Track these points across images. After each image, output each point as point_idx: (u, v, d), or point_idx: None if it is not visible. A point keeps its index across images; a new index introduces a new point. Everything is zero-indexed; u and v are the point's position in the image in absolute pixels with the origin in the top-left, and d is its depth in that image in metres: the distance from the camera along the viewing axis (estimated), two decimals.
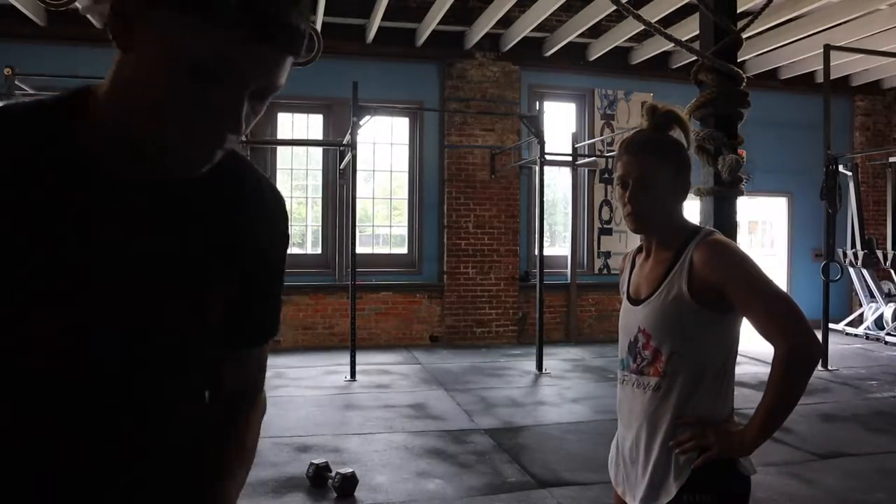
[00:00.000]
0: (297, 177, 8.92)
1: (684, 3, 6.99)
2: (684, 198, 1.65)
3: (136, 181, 0.82)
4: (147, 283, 0.83)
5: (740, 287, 1.49)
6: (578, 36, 8.49)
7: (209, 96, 0.74)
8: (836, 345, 8.17)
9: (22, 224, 0.76)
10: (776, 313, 1.46)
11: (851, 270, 9.50)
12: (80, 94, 0.82)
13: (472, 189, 8.95)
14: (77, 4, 4.32)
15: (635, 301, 1.67)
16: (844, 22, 7.82)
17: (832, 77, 7.89)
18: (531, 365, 7.41)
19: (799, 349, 1.44)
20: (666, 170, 1.60)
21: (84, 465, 0.82)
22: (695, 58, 2.45)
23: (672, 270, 1.58)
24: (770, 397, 1.46)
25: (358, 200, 7.63)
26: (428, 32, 8.31)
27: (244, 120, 0.77)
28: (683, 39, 2.56)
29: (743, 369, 4.58)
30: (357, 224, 7.19)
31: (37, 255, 0.76)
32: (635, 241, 1.73)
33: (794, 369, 1.45)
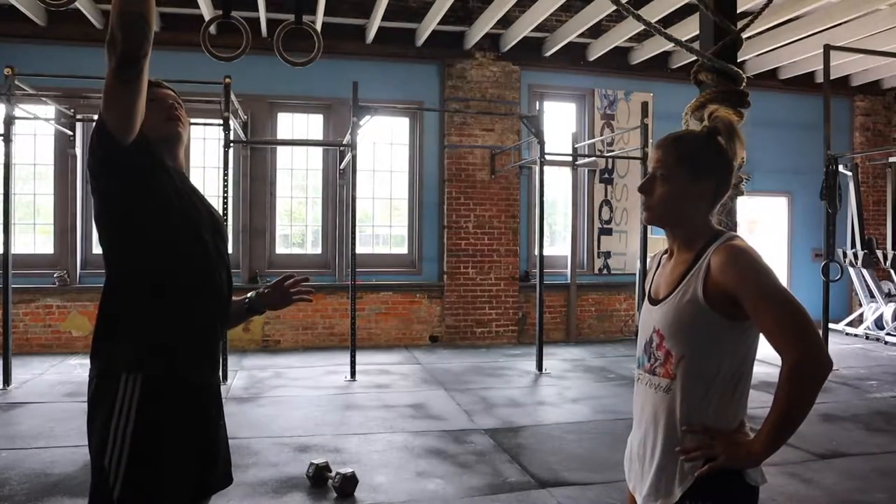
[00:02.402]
0: (297, 177, 8.92)
1: (684, 3, 6.99)
2: (707, 202, 1.62)
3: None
4: (208, 206, 1.94)
5: (751, 294, 1.46)
6: (578, 36, 8.50)
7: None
8: (836, 345, 8.17)
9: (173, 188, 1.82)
10: (785, 324, 1.43)
11: (851, 270, 9.50)
12: None
13: (472, 189, 8.95)
14: None
15: (654, 301, 1.67)
16: (844, 22, 7.82)
17: (832, 77, 7.88)
18: (531, 365, 7.41)
19: (806, 363, 1.41)
20: (683, 170, 1.60)
21: (219, 292, 1.89)
22: (695, 58, 2.45)
23: (689, 273, 1.57)
24: (777, 411, 1.43)
25: (358, 200, 7.63)
26: (428, 32, 8.31)
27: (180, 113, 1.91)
28: (683, 39, 2.55)
29: None
30: (357, 224, 7.19)
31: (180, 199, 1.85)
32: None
33: (801, 384, 1.42)
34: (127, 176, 1.71)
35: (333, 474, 3.80)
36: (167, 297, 1.76)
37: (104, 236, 1.80)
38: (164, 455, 1.70)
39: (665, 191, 1.61)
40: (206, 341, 1.85)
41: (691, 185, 1.60)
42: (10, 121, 6.22)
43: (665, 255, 1.74)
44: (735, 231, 2.46)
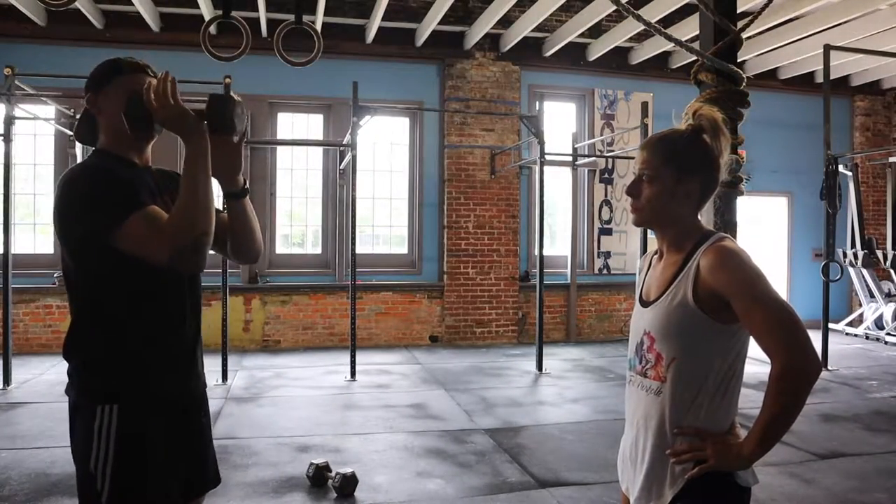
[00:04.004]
0: (297, 177, 8.92)
1: (684, 3, 6.99)
2: (694, 201, 1.61)
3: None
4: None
5: (741, 296, 1.45)
6: (578, 36, 8.50)
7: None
8: (836, 345, 8.17)
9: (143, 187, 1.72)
10: (775, 327, 1.42)
11: (851, 270, 9.50)
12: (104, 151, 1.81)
13: (472, 189, 8.95)
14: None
15: (644, 303, 1.67)
16: (844, 22, 7.82)
17: (832, 77, 7.88)
18: (531, 365, 7.41)
19: (795, 367, 1.41)
20: (669, 170, 1.59)
21: (190, 297, 1.82)
22: (695, 58, 2.45)
23: (679, 275, 1.57)
24: (767, 413, 1.43)
25: (358, 200, 7.63)
26: (428, 32, 8.31)
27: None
28: (683, 39, 2.55)
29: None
30: (357, 224, 7.19)
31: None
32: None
33: (790, 387, 1.41)
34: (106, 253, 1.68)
35: (333, 474, 3.80)
36: (134, 322, 1.72)
37: (70, 273, 1.75)
38: (150, 468, 1.69)
39: (652, 192, 1.60)
40: (180, 350, 1.81)
41: (677, 184, 1.59)
42: (10, 121, 6.22)
43: (655, 256, 1.73)
44: (735, 231, 2.48)
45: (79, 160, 7.96)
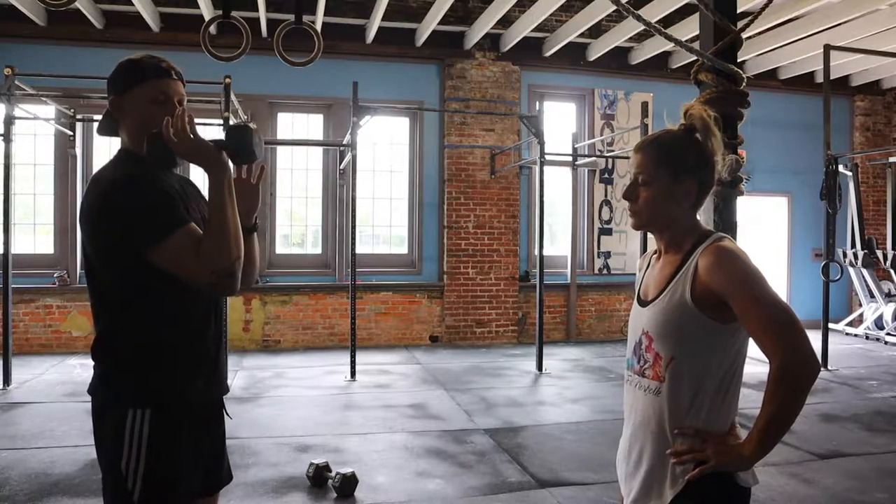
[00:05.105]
0: (297, 177, 8.92)
1: (684, 3, 6.99)
2: (692, 202, 1.61)
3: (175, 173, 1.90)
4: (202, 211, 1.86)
5: (739, 296, 1.45)
6: (578, 36, 8.50)
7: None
8: (836, 345, 8.17)
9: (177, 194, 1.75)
10: (773, 327, 1.42)
11: (851, 270, 9.51)
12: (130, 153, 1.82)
13: (472, 189, 8.95)
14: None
15: (643, 302, 1.66)
16: (844, 22, 7.82)
17: (832, 77, 7.88)
18: (531, 365, 7.41)
19: (794, 366, 1.40)
20: (664, 171, 1.58)
21: (216, 305, 1.88)
22: (695, 58, 2.45)
23: (677, 274, 1.57)
24: (766, 413, 1.43)
25: (358, 200, 7.63)
26: (428, 32, 8.31)
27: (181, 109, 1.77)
28: (683, 39, 2.56)
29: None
30: (357, 224, 7.19)
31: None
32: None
33: (789, 387, 1.41)
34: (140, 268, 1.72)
35: (333, 474, 3.80)
36: (164, 328, 1.75)
37: (97, 277, 1.75)
38: (179, 469, 1.74)
39: (649, 194, 1.60)
40: (207, 355, 1.86)
41: (674, 185, 1.59)
42: (10, 121, 6.22)
43: (654, 256, 1.73)
44: (735, 231, 2.48)
45: (79, 161, 8.02)
